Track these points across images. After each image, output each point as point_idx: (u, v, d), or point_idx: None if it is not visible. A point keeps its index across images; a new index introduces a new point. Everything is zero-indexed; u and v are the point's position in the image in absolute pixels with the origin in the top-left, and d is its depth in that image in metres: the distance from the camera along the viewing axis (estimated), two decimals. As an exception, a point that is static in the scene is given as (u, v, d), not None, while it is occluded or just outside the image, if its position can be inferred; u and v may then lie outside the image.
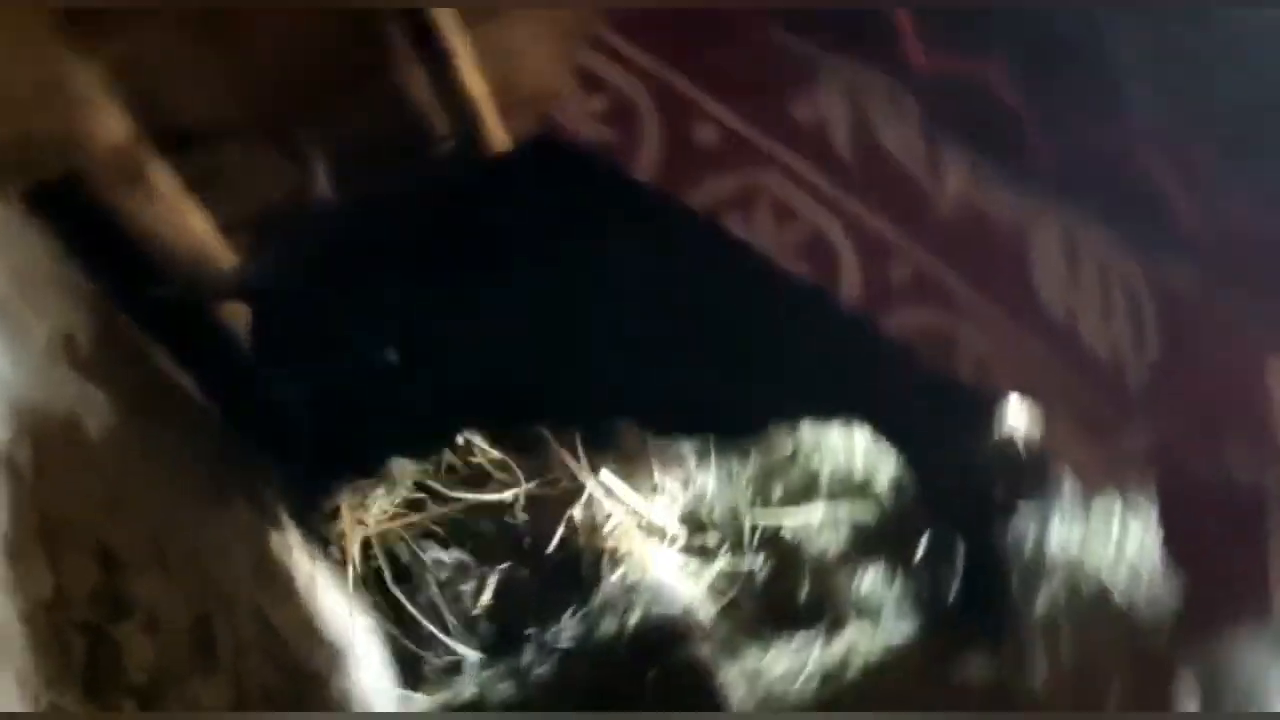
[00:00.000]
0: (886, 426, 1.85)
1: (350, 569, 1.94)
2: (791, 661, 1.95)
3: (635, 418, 1.98)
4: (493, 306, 1.53)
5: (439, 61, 1.60)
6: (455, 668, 2.00)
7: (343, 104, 1.50)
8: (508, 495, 2.11)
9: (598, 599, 2.04)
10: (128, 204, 1.40)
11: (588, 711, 1.82)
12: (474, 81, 1.57)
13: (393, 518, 2.02)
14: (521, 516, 2.13)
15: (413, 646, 1.98)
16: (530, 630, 2.01)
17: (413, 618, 2.02)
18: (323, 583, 1.80)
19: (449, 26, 1.60)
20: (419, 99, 1.52)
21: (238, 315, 1.57)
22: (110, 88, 1.39)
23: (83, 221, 1.32)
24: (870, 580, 2.04)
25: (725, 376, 1.67)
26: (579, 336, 1.59)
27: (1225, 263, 1.45)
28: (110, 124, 1.37)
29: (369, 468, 1.76)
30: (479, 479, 2.09)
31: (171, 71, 1.40)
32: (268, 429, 1.56)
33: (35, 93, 1.34)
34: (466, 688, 1.95)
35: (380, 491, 2.00)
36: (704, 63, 1.46)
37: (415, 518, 2.04)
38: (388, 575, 2.00)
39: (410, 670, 1.96)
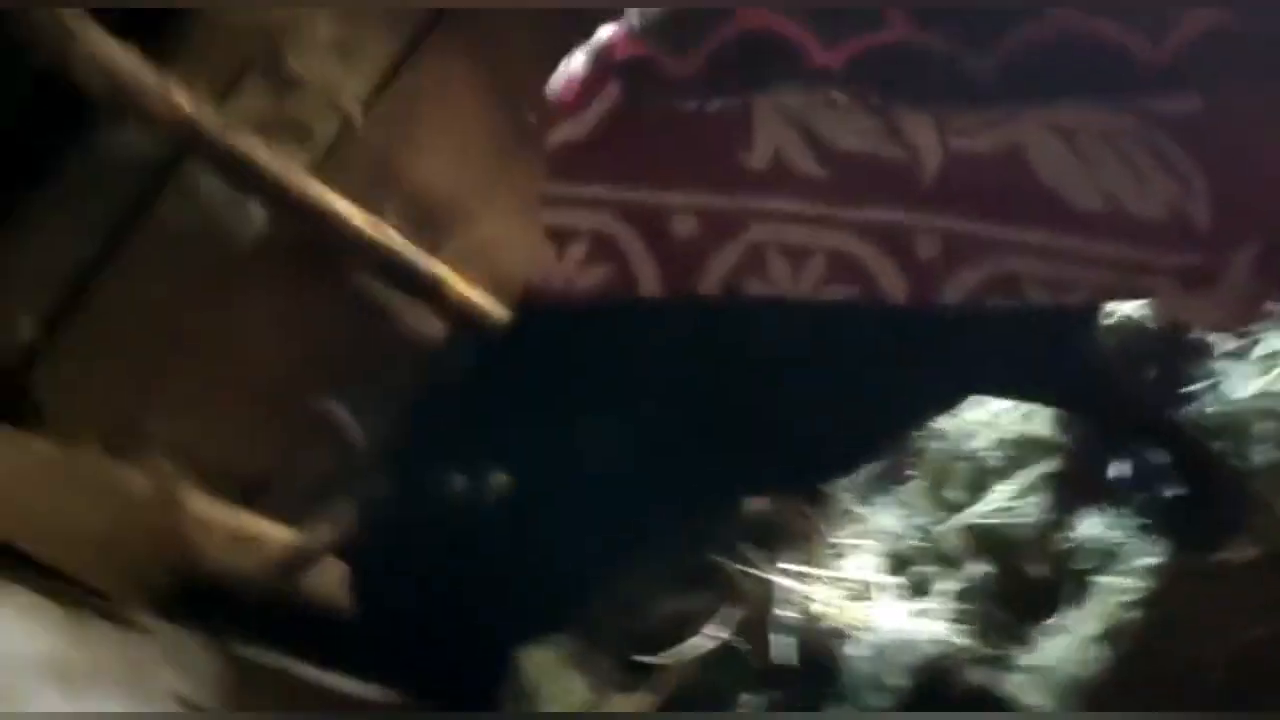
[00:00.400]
0: (1013, 386, 1.78)
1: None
2: (1066, 638, 1.85)
3: (779, 495, 1.96)
4: (577, 461, 1.53)
5: (431, 293, 1.67)
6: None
7: (365, 370, 1.57)
8: (713, 633, 2.07)
9: (850, 680, 1.97)
10: (219, 554, 1.47)
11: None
12: (463, 291, 1.64)
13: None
14: (736, 641, 2.08)
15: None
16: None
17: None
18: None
19: (424, 260, 1.67)
20: (426, 332, 1.59)
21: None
22: (168, 479, 1.48)
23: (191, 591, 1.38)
24: (1091, 525, 1.94)
25: (838, 421, 1.64)
26: (682, 454, 1.58)
27: (1208, 69, 1.38)
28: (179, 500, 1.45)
29: (511, 664, 1.73)
30: (669, 634, 2.07)
31: (210, 440, 1.49)
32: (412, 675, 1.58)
33: (106, 517, 1.42)
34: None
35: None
36: (647, 163, 1.47)
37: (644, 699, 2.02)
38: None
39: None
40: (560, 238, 1.50)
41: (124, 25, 1.33)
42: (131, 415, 1.55)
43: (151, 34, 1.36)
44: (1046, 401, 1.91)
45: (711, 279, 1.46)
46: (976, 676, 1.86)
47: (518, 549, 1.57)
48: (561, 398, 1.54)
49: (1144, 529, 1.88)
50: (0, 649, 1.23)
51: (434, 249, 1.71)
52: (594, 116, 1.49)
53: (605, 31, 1.51)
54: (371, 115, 1.61)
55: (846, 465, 1.88)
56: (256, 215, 1.54)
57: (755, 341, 1.53)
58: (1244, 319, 1.54)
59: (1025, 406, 2.02)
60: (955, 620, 1.96)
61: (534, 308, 1.54)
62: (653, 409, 1.56)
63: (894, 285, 1.44)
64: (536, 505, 1.60)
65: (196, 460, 1.55)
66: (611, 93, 1.48)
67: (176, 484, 1.50)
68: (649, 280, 1.47)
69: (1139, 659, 1.76)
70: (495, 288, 1.72)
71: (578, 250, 1.49)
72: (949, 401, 1.87)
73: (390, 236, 1.64)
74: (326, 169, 1.58)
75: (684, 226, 1.46)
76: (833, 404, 1.60)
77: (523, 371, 1.55)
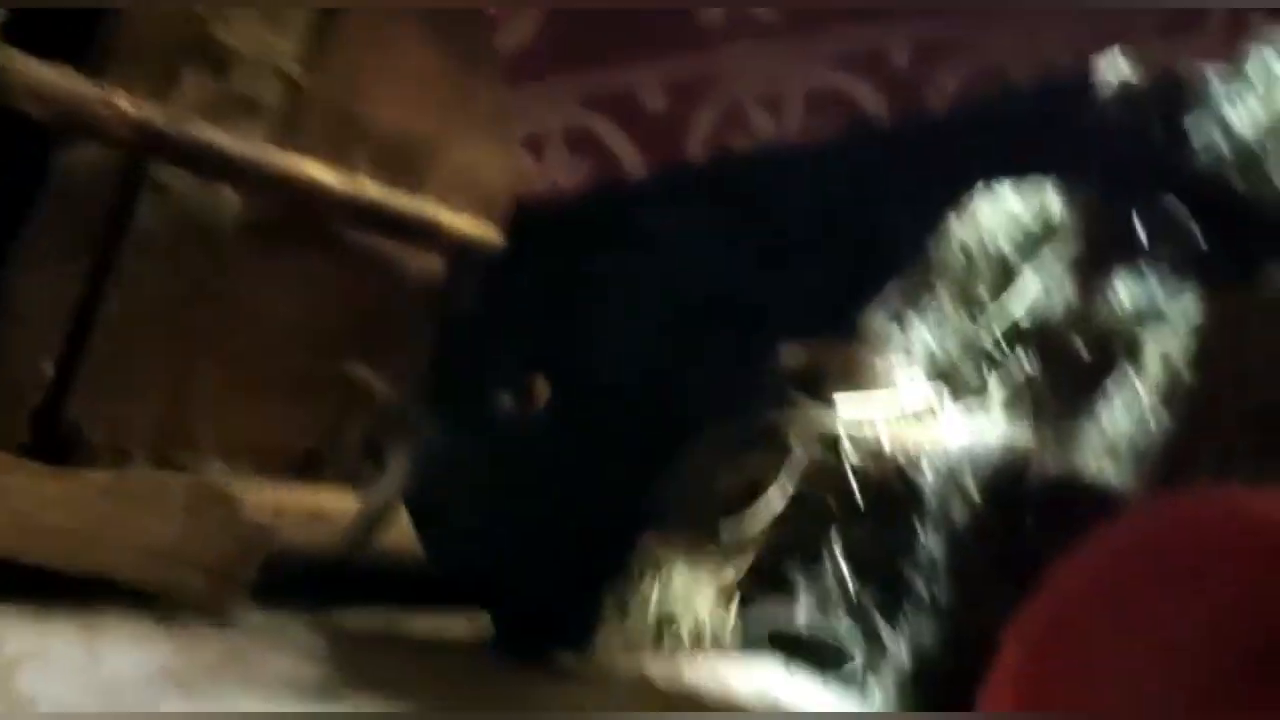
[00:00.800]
0: (1020, 172, 1.75)
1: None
2: (1127, 406, 1.84)
3: (816, 339, 1.96)
4: (612, 354, 1.53)
5: (423, 233, 1.65)
6: (875, 638, 1.98)
7: (380, 323, 1.56)
8: (786, 486, 2.09)
9: (932, 503, 1.98)
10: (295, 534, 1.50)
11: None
12: (455, 222, 1.62)
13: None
14: (811, 489, 2.10)
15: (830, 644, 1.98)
16: (903, 568, 1.97)
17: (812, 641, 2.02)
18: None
19: (409, 202, 1.65)
20: (429, 270, 1.57)
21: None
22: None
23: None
24: (1124, 290, 1.92)
25: (855, 251, 1.62)
26: (712, 320, 1.58)
27: None
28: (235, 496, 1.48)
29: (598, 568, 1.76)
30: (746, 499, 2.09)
31: (253, 427, 1.50)
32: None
33: (173, 527, 1.45)
34: (898, 650, 1.92)
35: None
36: (601, 46, 1.44)
37: (732, 573, 2.05)
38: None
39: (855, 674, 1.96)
40: (535, 142, 1.48)
41: (49, 46, 1.31)
42: (171, 423, 1.56)
43: (77, 49, 1.33)
44: (1056, 180, 1.88)
45: (694, 145, 1.44)
46: (1049, 465, 1.86)
47: (575, 455, 1.59)
48: (575, 296, 1.54)
49: (1179, 281, 1.86)
50: (120, 672, 1.27)
51: (416, 188, 1.69)
52: (537, 14, 1.45)
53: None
54: (316, 72, 1.58)
55: (874, 292, 1.87)
56: (232, 200, 1.53)
57: (755, 194, 1.52)
58: (1231, 49, 1.50)
59: (1036, 190, 1.99)
60: (1016, 417, 1.96)
61: (527, 218, 1.52)
62: (670, 285, 1.55)
63: (876, 105, 1.41)
64: (583, 407, 1.61)
65: (247, 450, 1.57)
66: (548, -15, 1.45)
67: (229, 480, 1.52)
68: (632, 162, 1.45)
69: (1202, 409, 1.76)
70: (485, 210, 1.71)
71: (555, 150, 1.47)
72: (959, 204, 1.85)
73: (368, 187, 1.62)
74: (287, 136, 1.56)
75: (654, 100, 1.44)
76: (845, 235, 1.59)
77: (532, 280, 1.54)
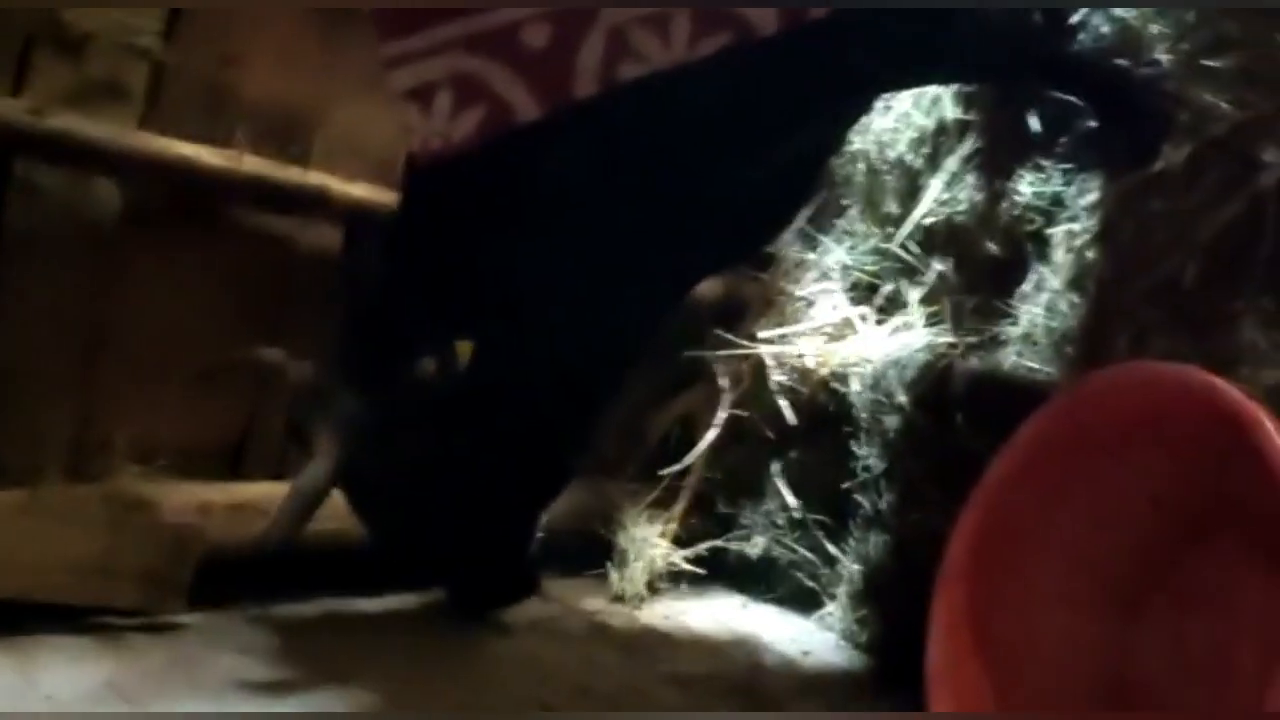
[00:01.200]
0: (911, 77, 1.74)
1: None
2: (1042, 298, 1.85)
3: (728, 270, 1.95)
4: (529, 310, 1.51)
5: (315, 204, 1.60)
6: (825, 557, 1.99)
7: (284, 303, 1.52)
8: (720, 421, 2.08)
9: (863, 417, 1.98)
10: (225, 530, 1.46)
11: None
12: (348, 190, 1.56)
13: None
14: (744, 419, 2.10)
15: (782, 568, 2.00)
16: (847, 486, 1.97)
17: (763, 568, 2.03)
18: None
19: (296, 175, 1.59)
20: (327, 243, 1.53)
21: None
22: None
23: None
24: (1028, 184, 1.93)
25: (759, 176, 1.61)
26: (623, 262, 1.55)
27: None
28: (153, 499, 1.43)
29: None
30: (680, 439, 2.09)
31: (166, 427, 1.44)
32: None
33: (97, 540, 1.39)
34: (848, 565, 1.94)
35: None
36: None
37: (675, 513, 2.05)
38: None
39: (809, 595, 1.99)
40: (420, 96, 1.43)
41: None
42: (81, 433, 1.51)
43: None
44: (947, 81, 1.88)
45: (585, 79, 1.41)
46: (974, 364, 1.88)
47: (501, 411, 1.56)
48: (481, 251, 1.50)
49: (1079, 168, 1.87)
50: (62, 694, 1.25)
51: (302, 159, 1.63)
52: None
53: None
54: (179, 47, 1.51)
55: (782, 216, 1.86)
56: (110, 192, 1.46)
57: (651, 125, 1.49)
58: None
59: (928, 95, 1.99)
60: (935, 322, 1.97)
61: (422, 175, 1.48)
62: (577, 230, 1.52)
63: (763, 20, 1.40)
64: (503, 362, 1.58)
65: (162, 450, 1.52)
66: (409, -72, 1.39)
67: (149, 484, 1.47)
68: (524, 104, 1.42)
69: (1111, 291, 1.78)
70: (377, 173, 1.66)
71: (443, 102, 1.43)
72: (855, 117, 1.85)
73: (251, 164, 1.56)
74: (157, 118, 1.49)
75: (536, 36, 1.40)
76: (746, 160, 1.57)
77: (435, 240, 1.51)
